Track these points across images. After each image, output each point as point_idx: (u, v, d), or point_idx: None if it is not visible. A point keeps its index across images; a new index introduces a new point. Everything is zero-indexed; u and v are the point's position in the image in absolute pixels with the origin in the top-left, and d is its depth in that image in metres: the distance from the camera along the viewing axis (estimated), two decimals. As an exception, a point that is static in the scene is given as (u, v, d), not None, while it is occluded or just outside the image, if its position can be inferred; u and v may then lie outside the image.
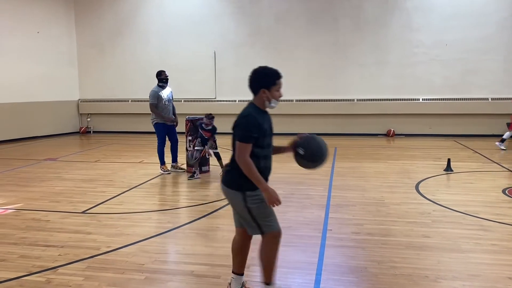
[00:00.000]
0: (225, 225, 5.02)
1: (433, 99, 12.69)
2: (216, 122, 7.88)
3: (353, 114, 13.25)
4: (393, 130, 13.04)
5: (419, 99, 12.80)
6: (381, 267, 3.76)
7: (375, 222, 4.99)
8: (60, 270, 3.77)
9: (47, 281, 3.55)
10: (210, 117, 7.73)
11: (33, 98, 13.29)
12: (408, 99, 12.85)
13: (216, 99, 14.01)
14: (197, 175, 7.60)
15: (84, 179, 7.54)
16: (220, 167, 7.73)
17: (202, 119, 7.83)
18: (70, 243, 4.39)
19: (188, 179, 7.50)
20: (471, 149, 10.30)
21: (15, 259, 4.01)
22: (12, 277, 3.64)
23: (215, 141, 7.93)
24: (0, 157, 10.13)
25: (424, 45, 12.68)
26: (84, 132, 14.78)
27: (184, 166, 8.14)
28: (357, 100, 13.14)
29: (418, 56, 12.74)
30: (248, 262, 3.89)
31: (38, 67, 13.42)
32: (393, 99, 12.93)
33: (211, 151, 7.80)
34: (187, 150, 7.99)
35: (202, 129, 7.72)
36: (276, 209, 5.46)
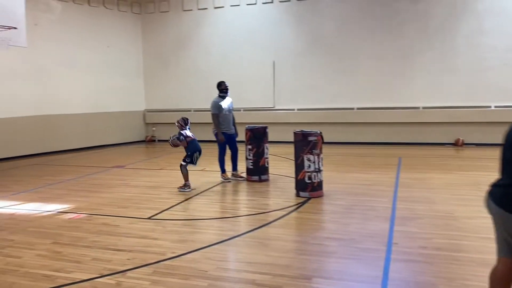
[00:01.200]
0: (285, 235, 5.00)
1: (507, 106, 11.87)
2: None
3: (418, 123, 12.72)
4: (462, 140, 12.35)
5: (490, 106, 12.03)
6: (452, 284, 3.55)
7: (445, 237, 4.73)
8: (128, 273, 3.93)
9: (117, 284, 3.72)
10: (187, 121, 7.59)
11: (102, 108, 14.12)
12: (478, 107, 12.12)
13: (275, 108, 14.07)
14: (188, 188, 7.34)
15: (150, 186, 7.85)
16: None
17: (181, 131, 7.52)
18: (138, 248, 4.57)
19: (179, 191, 7.33)
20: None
21: (88, 261, 4.24)
22: (86, 278, 3.85)
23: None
24: (74, 164, 10.82)
25: (496, 50, 11.92)
26: (150, 141, 15.42)
27: (244, 175, 8.22)
28: (422, 107, 12.61)
29: (490, 61, 12.00)
30: (309, 273, 3.83)
31: (107, 79, 14.26)
32: (462, 106, 12.26)
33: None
34: (246, 158, 8.07)
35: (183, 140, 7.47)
36: (338, 220, 5.39)
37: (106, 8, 14.25)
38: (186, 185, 7.44)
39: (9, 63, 11.59)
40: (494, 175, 8.36)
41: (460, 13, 12.17)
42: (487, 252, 4.23)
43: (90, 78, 13.76)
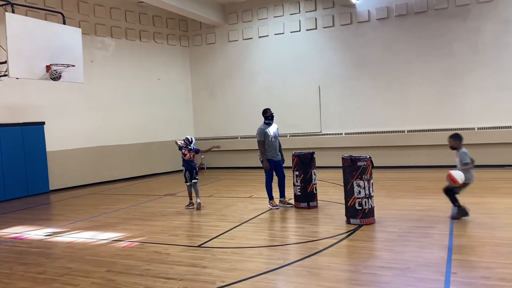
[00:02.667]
0: (337, 264, 4.85)
1: None
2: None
3: (473, 144, 12.08)
4: (523, 161, 11.63)
5: (553, 125, 11.31)
6: (521, 320, 3.27)
7: (509, 266, 4.41)
8: (179, 302, 3.96)
9: (168, 313, 3.74)
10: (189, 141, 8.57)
11: (155, 138, 14.64)
12: (540, 125, 11.43)
13: (322, 133, 13.96)
14: (191, 206, 8.48)
15: (199, 213, 7.96)
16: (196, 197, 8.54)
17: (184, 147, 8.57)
18: (188, 276, 4.60)
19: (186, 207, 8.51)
20: None
21: (141, 290, 4.32)
22: (138, 307, 3.91)
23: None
24: (128, 193, 11.21)
25: (555, 64, 11.29)
26: (199, 168, 15.70)
27: (292, 201, 8.15)
28: (478, 128, 12.05)
29: (549, 77, 11.35)
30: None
31: (158, 110, 14.83)
32: (520, 125, 11.60)
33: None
34: (294, 185, 8.01)
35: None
36: (391, 249, 5.18)
37: (156, 42, 14.95)
38: (190, 203, 8.55)
39: (68, 98, 12.36)
40: (561, 198, 7.74)
41: (513, 28, 11.68)
42: (559, 283, 3.90)
43: (142, 110, 14.37)
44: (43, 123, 11.89)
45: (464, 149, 6.58)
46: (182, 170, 8.78)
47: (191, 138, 8.70)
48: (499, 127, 11.84)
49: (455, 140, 6.66)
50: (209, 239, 6.09)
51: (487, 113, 12.00)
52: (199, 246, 5.79)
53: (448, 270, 4.39)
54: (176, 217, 7.81)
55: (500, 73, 11.87)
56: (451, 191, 6.47)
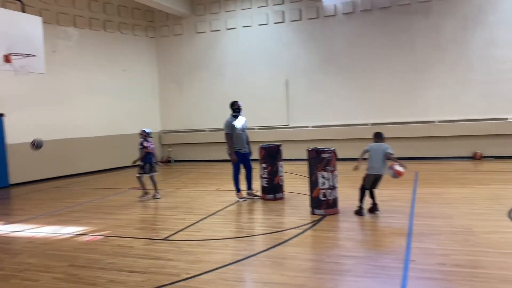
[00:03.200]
0: (301, 253, 4.95)
1: (525, 118, 11.68)
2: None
3: (434, 137, 12.58)
4: (480, 153, 12.15)
5: (507, 118, 11.85)
6: (472, 302, 3.45)
7: (464, 253, 4.62)
8: (143, 295, 3.94)
9: (131, 306, 3.72)
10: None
11: (119, 131, 14.36)
12: (495, 119, 11.95)
13: (289, 126, 14.10)
14: (146, 196, 8.63)
15: (166, 206, 7.90)
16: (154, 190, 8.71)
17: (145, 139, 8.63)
18: (153, 269, 4.58)
19: (139, 200, 8.55)
20: None
21: (104, 284, 4.27)
22: (101, 300, 3.87)
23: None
24: (92, 186, 10.98)
25: (510, 61, 11.80)
26: (166, 162, 15.56)
27: (259, 193, 8.21)
28: (438, 121, 12.49)
29: (505, 73, 11.87)
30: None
31: (124, 102, 14.55)
32: (478, 119, 12.10)
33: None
34: (261, 177, 8.07)
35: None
36: (353, 238, 5.33)
37: (122, 33, 14.63)
38: (145, 193, 8.64)
39: (29, 89, 11.93)
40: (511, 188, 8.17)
41: (471, 25, 12.13)
42: (508, 268, 4.13)
43: (107, 102, 14.07)
44: (2, 115, 11.47)
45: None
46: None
47: (148, 130, 8.80)
48: (458, 121, 12.30)
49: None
50: (174, 232, 6.07)
51: (447, 107, 12.44)
52: (164, 239, 5.76)
53: (407, 258, 4.55)
54: (141, 210, 7.73)
55: (459, 69, 12.31)
56: (364, 189, 6.49)
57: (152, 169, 8.66)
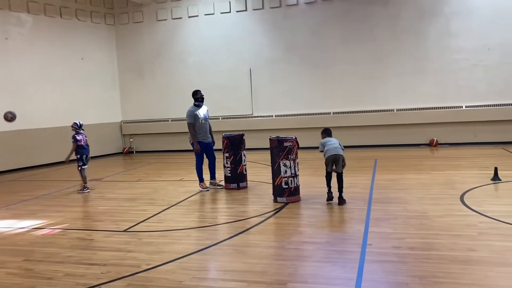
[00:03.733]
0: (262, 241, 5.01)
1: (477, 106, 12.20)
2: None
3: (393, 125, 12.94)
4: (437, 140, 12.62)
5: (462, 107, 12.34)
6: (424, 282, 3.61)
7: (418, 236, 4.81)
8: (103, 287, 3.88)
9: (90, 299, 3.66)
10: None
11: (79, 121, 13.90)
12: (450, 107, 12.43)
13: (253, 115, 14.12)
14: (87, 190, 8.46)
15: (127, 198, 7.77)
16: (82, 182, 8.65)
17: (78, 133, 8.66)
18: (113, 261, 4.51)
19: (78, 192, 8.42)
20: (521, 157, 9.79)
21: (61, 278, 4.17)
22: (58, 294, 3.78)
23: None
24: (49, 179, 10.64)
25: (465, 51, 12.27)
26: (127, 152, 15.27)
27: (223, 183, 8.21)
28: (396, 110, 12.85)
29: (459, 63, 12.33)
30: (284, 278, 3.86)
31: (83, 91, 14.09)
32: (434, 107, 12.54)
33: None
34: (224, 166, 8.06)
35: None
36: (314, 224, 5.44)
37: (79, 20, 14.12)
38: (85, 187, 8.48)
39: (-21, 78, 11.36)
40: (465, 173, 8.61)
41: (428, 16, 12.49)
42: (457, 249, 4.33)
43: (64, 91, 13.58)
44: (-50, 105, 10.88)
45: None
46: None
47: (79, 123, 8.80)
48: (416, 109, 12.70)
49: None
50: (135, 223, 5.99)
51: (405, 96, 12.81)
52: (125, 230, 5.68)
53: (364, 242, 4.69)
54: (101, 202, 7.57)
55: (416, 59, 12.67)
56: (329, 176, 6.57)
57: (87, 161, 8.77)
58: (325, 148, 6.55)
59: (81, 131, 8.72)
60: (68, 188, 9.13)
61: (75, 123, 8.73)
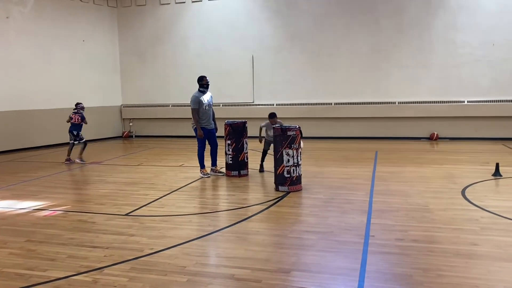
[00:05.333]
0: (265, 229, 5.02)
1: (480, 101, 12.19)
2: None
3: (394, 117, 12.93)
4: (437, 134, 12.63)
5: (464, 101, 12.33)
6: (428, 275, 3.62)
7: (420, 229, 4.83)
8: (106, 270, 3.88)
9: (93, 281, 3.66)
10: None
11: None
12: (452, 101, 12.41)
13: (254, 103, 14.07)
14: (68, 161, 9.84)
15: (127, 182, 7.75)
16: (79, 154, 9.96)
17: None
18: (115, 245, 4.51)
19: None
20: (522, 153, 9.81)
21: (64, 259, 4.17)
22: (61, 276, 3.78)
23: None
24: (50, 160, 10.60)
25: (469, 46, 12.21)
26: (127, 137, 15.22)
27: (224, 170, 8.20)
28: (398, 103, 12.82)
29: (464, 57, 12.28)
30: (288, 267, 3.87)
31: (83, 74, 13.98)
32: (436, 101, 12.52)
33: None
34: (226, 154, 8.05)
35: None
36: (316, 214, 5.45)
37: (82, 1, 13.94)
38: (66, 160, 9.94)
39: (-20, 57, 11.24)
40: (466, 168, 8.63)
41: (434, 9, 12.40)
42: (460, 243, 4.35)
43: (64, 73, 13.46)
44: (-50, 83, 10.77)
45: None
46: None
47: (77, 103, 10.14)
48: (417, 102, 12.67)
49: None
50: (137, 207, 5.98)
51: (407, 89, 12.78)
52: (126, 214, 5.67)
53: (367, 233, 4.71)
54: (102, 185, 7.54)
55: (420, 52, 12.61)
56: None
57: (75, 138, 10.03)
58: (266, 136, 8.14)
59: (76, 111, 10.03)
60: (68, 170, 9.10)
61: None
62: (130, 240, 4.65)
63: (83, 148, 10.09)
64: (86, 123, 10.14)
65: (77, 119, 9.94)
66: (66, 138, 13.39)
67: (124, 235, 4.81)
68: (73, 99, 13.62)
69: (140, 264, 4.01)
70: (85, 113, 10.08)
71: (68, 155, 9.95)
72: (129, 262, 4.05)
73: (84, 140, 10.09)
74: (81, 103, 10.24)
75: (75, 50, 13.78)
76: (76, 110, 10.03)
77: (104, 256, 4.21)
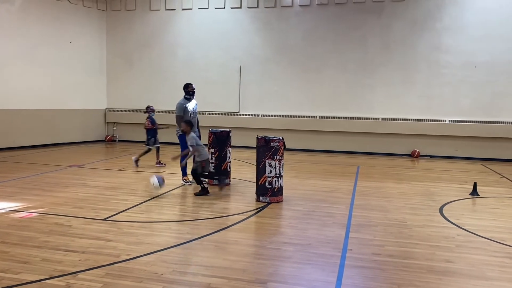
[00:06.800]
0: (244, 239, 5.01)
1: (460, 121, 12.45)
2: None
3: (377, 133, 13.11)
4: (418, 151, 12.82)
5: (445, 121, 12.57)
6: (402, 290, 3.66)
7: (397, 244, 4.88)
8: (80, 275, 3.82)
9: (67, 286, 3.60)
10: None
11: (62, 105, 13.69)
12: (434, 120, 12.64)
13: (240, 113, 14.10)
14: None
15: (108, 186, 7.67)
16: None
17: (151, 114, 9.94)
18: (91, 249, 4.45)
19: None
20: (499, 174, 10.02)
21: (38, 262, 4.09)
22: (34, 279, 3.70)
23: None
24: (29, 161, 10.42)
25: (452, 66, 12.50)
26: (110, 141, 15.07)
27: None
28: (382, 119, 13.01)
29: (446, 77, 12.56)
30: (264, 277, 3.87)
31: (68, 75, 13.86)
32: (419, 119, 12.74)
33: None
34: (208, 162, 8.00)
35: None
36: (295, 226, 5.46)
37: (70, 2, 13.87)
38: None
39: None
40: (445, 186, 8.77)
41: (419, 29, 12.68)
42: (435, 259, 4.41)
43: (50, 73, 13.32)
44: None
45: (192, 134, 7.30)
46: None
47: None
48: (400, 119, 12.88)
49: (187, 126, 7.29)
50: (116, 212, 5.92)
51: (391, 106, 12.98)
52: (105, 219, 5.60)
53: (345, 247, 4.74)
54: (81, 189, 7.45)
55: (404, 70, 12.86)
56: (195, 173, 7.18)
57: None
58: (201, 153, 7.23)
59: (148, 115, 10.02)
60: (47, 172, 8.96)
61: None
62: (107, 245, 4.59)
63: (146, 152, 10.05)
64: (158, 127, 9.97)
65: (148, 124, 9.88)
66: (47, 139, 13.33)
67: (101, 240, 4.75)
68: (57, 100, 13.56)
69: (116, 270, 3.96)
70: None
71: (157, 158, 10.02)
72: (105, 267, 4.00)
73: (153, 145, 10.04)
74: (151, 106, 10.01)
75: (61, 51, 13.67)
76: (147, 115, 9.97)
77: (79, 260, 4.15)
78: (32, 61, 12.84)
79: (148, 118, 9.98)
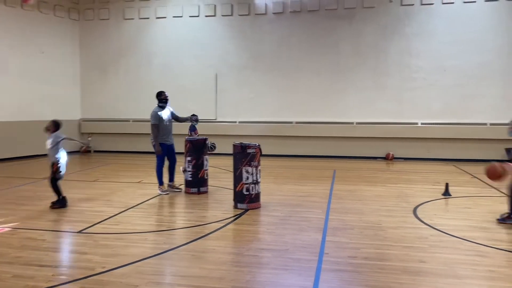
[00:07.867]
0: (221, 247, 5.00)
1: (432, 124, 12.76)
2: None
3: (352, 137, 13.30)
4: (392, 154, 13.07)
5: (417, 123, 12.87)
6: (377, 292, 3.73)
7: (372, 246, 4.96)
8: (53, 290, 3.75)
9: (39, 302, 3.53)
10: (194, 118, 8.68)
11: (34, 117, 13.36)
12: (407, 123, 12.92)
13: (217, 120, 14.10)
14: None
15: (82, 198, 7.54)
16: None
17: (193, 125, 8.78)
18: (65, 263, 4.38)
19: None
20: (470, 174, 10.30)
21: (8, 279, 3.99)
22: (5, 296, 3.62)
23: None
24: (0, 175, 10.14)
25: (423, 71, 12.82)
26: (85, 152, 14.82)
27: (182, 187, 8.13)
28: (356, 123, 13.21)
29: (417, 81, 12.87)
30: (242, 285, 3.87)
31: (40, 86, 13.59)
32: (392, 122, 13.00)
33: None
34: (185, 170, 7.97)
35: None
36: (273, 232, 5.49)
37: (42, 12, 13.64)
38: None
39: None
40: (418, 187, 8.94)
41: (390, 34, 12.98)
42: (409, 260, 4.51)
43: (21, 84, 13.03)
44: None
45: (57, 133, 7.20)
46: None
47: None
48: (374, 123, 13.11)
49: (54, 126, 7.25)
50: (91, 224, 5.82)
51: (364, 110, 13.21)
52: (79, 232, 5.51)
53: (322, 251, 4.79)
54: (55, 201, 7.28)
55: (377, 74, 13.12)
56: (55, 182, 6.83)
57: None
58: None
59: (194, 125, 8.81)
60: (20, 185, 8.75)
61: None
62: (82, 258, 4.52)
63: None
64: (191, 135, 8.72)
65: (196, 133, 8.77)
66: (21, 152, 12.99)
67: (76, 253, 4.68)
68: (28, 111, 13.25)
69: (91, 283, 3.90)
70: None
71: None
72: (79, 281, 3.94)
73: None
74: (195, 115, 8.77)
75: (33, 62, 13.41)
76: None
77: (52, 275, 4.07)
78: (2, 73, 12.53)
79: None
